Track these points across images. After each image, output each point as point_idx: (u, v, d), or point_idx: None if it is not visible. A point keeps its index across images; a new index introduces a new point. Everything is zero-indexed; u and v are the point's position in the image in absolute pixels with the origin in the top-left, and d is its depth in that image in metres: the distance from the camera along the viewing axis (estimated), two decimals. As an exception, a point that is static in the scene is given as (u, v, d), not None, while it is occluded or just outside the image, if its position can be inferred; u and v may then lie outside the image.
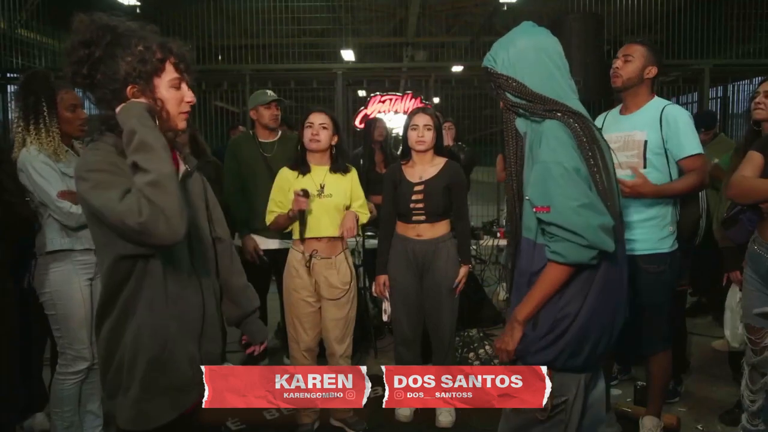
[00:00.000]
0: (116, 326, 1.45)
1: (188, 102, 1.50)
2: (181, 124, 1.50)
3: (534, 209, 1.58)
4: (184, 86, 1.49)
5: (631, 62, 2.56)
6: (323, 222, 2.78)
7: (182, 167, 1.59)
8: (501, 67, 1.68)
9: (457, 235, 2.99)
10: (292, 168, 2.84)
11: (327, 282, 2.82)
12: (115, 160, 1.38)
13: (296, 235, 2.80)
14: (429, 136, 2.87)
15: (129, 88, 1.40)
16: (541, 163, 1.58)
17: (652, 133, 2.51)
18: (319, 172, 2.83)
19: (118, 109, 1.39)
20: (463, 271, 2.95)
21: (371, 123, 4.50)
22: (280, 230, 2.88)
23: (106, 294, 1.45)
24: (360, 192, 2.91)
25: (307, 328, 2.85)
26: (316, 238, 2.79)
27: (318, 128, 2.77)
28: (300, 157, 2.84)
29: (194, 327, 1.54)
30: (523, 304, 1.63)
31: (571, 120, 1.60)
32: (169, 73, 1.45)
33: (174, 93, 1.47)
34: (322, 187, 2.79)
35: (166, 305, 1.46)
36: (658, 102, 2.59)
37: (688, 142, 2.48)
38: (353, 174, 2.92)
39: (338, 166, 2.85)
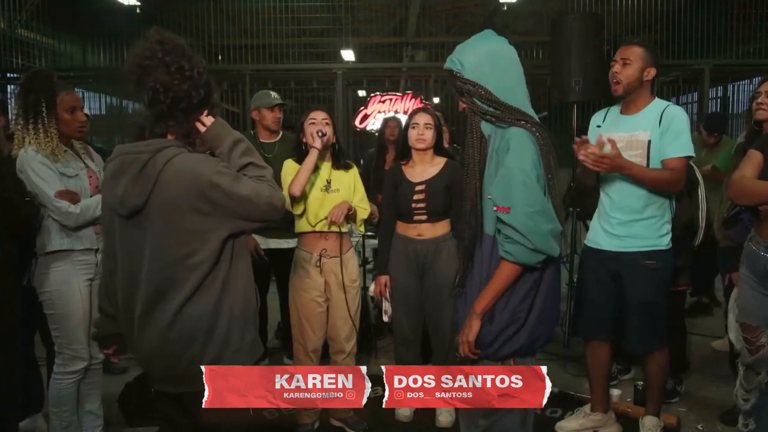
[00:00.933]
0: (219, 299, 1.62)
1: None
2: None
3: (495, 208, 1.69)
4: None
5: (630, 65, 2.57)
6: None
7: None
8: (469, 72, 1.74)
9: (456, 235, 2.98)
10: (299, 162, 2.83)
11: (337, 281, 2.84)
12: None
13: (310, 220, 2.76)
14: (429, 134, 2.88)
15: (205, 111, 1.67)
16: (508, 168, 1.68)
17: (655, 134, 2.54)
18: (324, 169, 2.85)
19: (211, 123, 1.67)
20: None
21: (385, 122, 4.58)
22: (298, 197, 2.73)
23: (202, 275, 1.59)
24: (360, 187, 2.94)
25: (316, 329, 2.85)
26: (324, 236, 2.80)
27: (321, 123, 2.78)
28: (305, 155, 2.83)
29: None
30: (481, 299, 1.76)
31: (534, 129, 1.70)
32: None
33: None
34: (329, 183, 2.82)
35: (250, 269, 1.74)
36: (659, 103, 2.62)
37: (677, 144, 2.50)
38: (354, 170, 2.96)
39: (340, 163, 2.89)
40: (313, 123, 2.79)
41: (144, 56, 1.58)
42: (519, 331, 1.76)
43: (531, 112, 1.78)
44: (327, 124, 2.80)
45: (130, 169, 1.57)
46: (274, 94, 3.63)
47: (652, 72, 2.58)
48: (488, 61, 1.74)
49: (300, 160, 2.81)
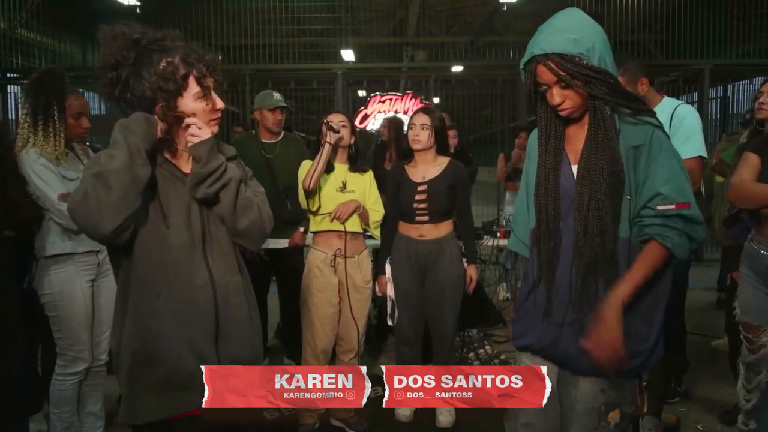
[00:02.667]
0: (117, 319, 1.52)
1: (217, 109, 1.54)
2: (213, 129, 1.54)
3: (674, 206, 1.48)
4: (212, 94, 1.52)
5: None
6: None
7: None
8: (595, 57, 1.53)
9: (461, 235, 2.99)
10: None
11: (352, 281, 2.86)
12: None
13: (323, 219, 2.79)
14: (424, 135, 2.87)
15: (157, 107, 1.45)
16: (672, 162, 1.51)
17: None
18: (340, 170, 2.87)
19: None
20: (471, 271, 2.96)
21: (383, 122, 4.66)
22: (313, 192, 2.75)
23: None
24: (375, 191, 2.95)
25: (328, 330, 2.86)
26: (339, 235, 2.81)
27: (338, 126, 2.79)
28: None
29: (203, 326, 1.53)
30: (625, 286, 1.49)
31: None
32: (193, 88, 1.48)
33: (201, 104, 1.50)
34: (344, 184, 2.84)
35: (153, 300, 1.48)
36: (669, 102, 2.58)
37: (690, 144, 2.47)
38: (370, 174, 2.97)
39: (357, 166, 2.91)
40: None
41: None
42: (660, 338, 1.59)
43: None
44: (344, 126, 2.81)
45: None
46: (277, 95, 3.60)
47: (644, 82, 2.53)
48: (605, 44, 1.54)
49: None
